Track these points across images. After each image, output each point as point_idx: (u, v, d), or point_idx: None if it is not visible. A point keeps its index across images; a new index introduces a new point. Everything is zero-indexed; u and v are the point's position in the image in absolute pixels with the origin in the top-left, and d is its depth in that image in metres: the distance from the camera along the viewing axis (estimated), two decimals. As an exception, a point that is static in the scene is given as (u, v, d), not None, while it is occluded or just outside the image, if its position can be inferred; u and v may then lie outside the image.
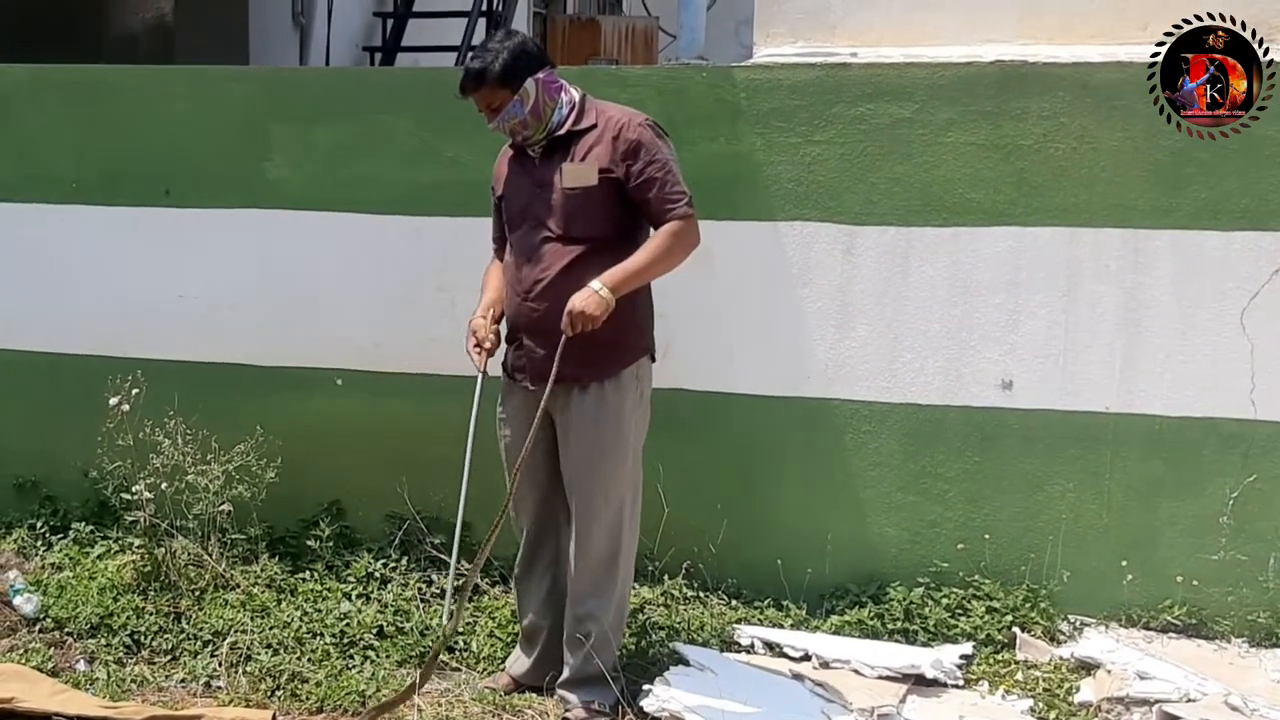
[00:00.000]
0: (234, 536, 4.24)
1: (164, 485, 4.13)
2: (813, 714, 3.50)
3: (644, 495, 3.61)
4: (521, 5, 9.90)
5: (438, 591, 4.14)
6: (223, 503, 4.16)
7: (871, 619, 3.99)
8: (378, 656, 3.83)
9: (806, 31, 4.36)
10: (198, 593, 4.11)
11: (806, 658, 3.81)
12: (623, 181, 3.37)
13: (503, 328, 3.58)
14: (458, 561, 3.53)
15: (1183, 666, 3.67)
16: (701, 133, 4.11)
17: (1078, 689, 3.66)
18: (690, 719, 3.40)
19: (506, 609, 4.00)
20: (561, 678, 3.55)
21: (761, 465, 4.20)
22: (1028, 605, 3.97)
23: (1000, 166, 3.98)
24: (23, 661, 3.79)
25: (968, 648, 3.85)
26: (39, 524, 4.58)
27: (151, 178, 4.56)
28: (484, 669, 3.80)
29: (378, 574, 4.22)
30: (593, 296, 3.27)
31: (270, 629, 3.91)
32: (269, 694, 3.64)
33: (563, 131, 3.42)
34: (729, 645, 3.90)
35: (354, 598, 4.11)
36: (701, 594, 4.14)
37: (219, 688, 3.70)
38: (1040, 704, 3.61)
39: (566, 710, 3.51)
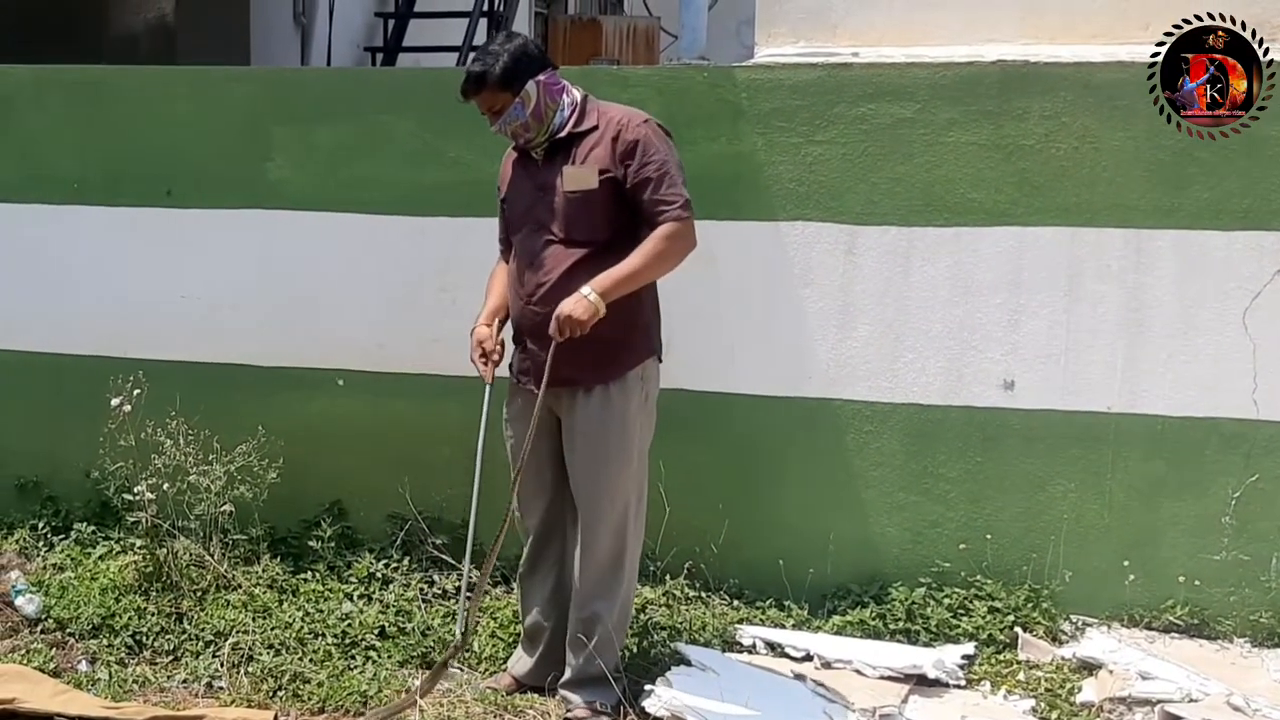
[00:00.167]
0: (236, 537, 4.24)
1: (166, 486, 4.14)
2: (814, 714, 3.50)
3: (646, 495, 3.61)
4: (523, 5, 9.90)
5: (439, 592, 4.14)
6: (224, 503, 4.16)
7: (873, 619, 3.99)
8: (379, 657, 3.83)
9: (808, 31, 4.36)
10: (199, 593, 4.11)
11: (808, 658, 3.81)
12: (621, 182, 3.36)
13: (508, 331, 3.57)
14: (469, 574, 3.54)
15: (1185, 667, 3.67)
16: (703, 133, 4.11)
17: (1080, 689, 3.65)
18: (692, 719, 3.40)
19: (508, 609, 4.00)
20: (564, 678, 3.55)
21: (763, 465, 4.20)
22: (1030, 605, 3.97)
23: (1002, 166, 3.98)
24: (25, 662, 3.79)
25: (970, 648, 3.85)
26: (41, 524, 4.58)
27: (153, 178, 4.56)
28: (486, 669, 3.80)
29: (379, 574, 4.22)
30: (581, 302, 3.27)
31: (272, 629, 3.91)
32: (271, 694, 3.64)
33: (564, 134, 3.41)
34: (731, 645, 3.90)
35: (356, 598, 4.11)
36: (703, 594, 4.14)
37: (221, 688, 3.70)
38: (1042, 704, 3.61)
39: (568, 710, 3.51)
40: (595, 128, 3.40)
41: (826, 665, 3.77)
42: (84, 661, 3.86)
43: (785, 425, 4.17)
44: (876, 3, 4.35)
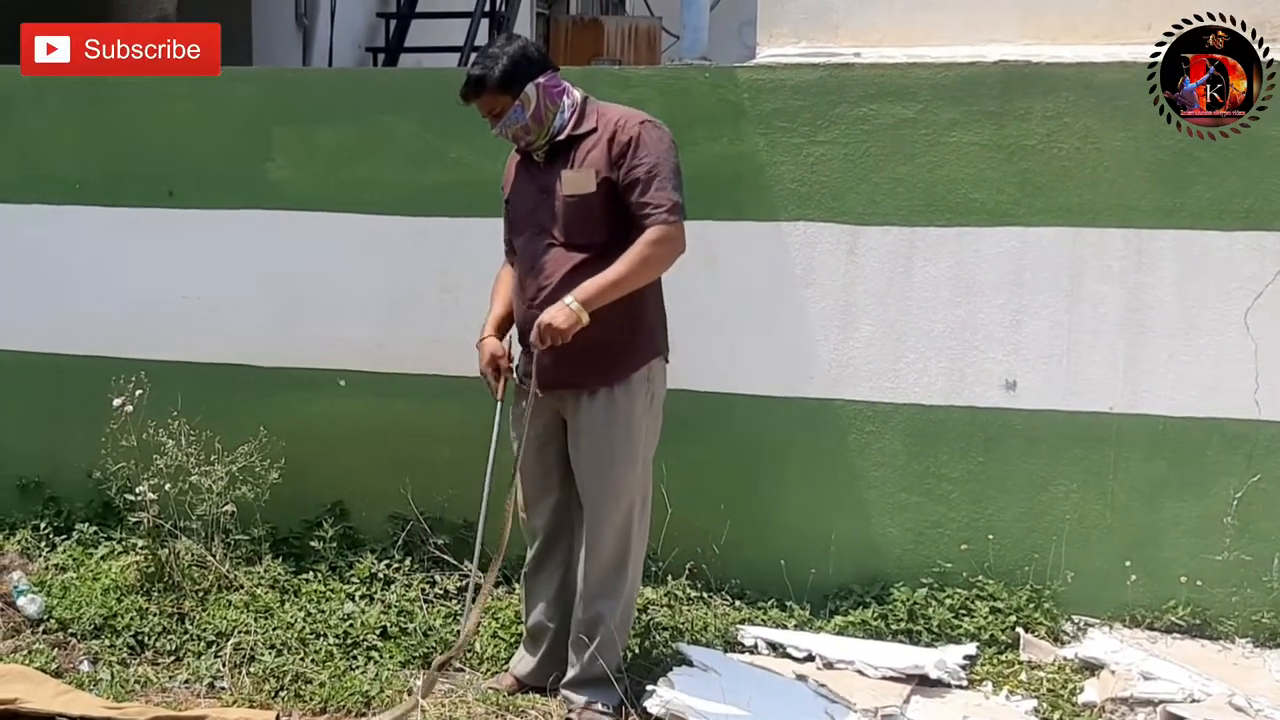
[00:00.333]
0: (237, 537, 4.24)
1: (167, 486, 4.14)
2: (816, 715, 3.50)
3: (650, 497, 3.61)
4: (524, 6, 9.91)
5: (441, 592, 4.15)
6: (226, 503, 4.16)
7: (875, 619, 3.99)
8: (381, 657, 3.83)
9: (810, 32, 4.36)
10: (201, 593, 4.11)
11: (810, 658, 3.81)
12: (616, 184, 3.34)
13: (513, 331, 3.57)
14: (473, 587, 3.55)
15: (1187, 667, 3.67)
16: (704, 133, 4.11)
17: (1081, 689, 3.66)
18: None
19: (510, 610, 4.00)
20: (566, 678, 3.55)
21: (765, 466, 4.20)
22: (1031, 606, 3.97)
23: (1004, 167, 3.98)
24: (26, 662, 3.79)
25: (971, 648, 3.85)
26: (43, 525, 4.58)
27: (154, 179, 4.56)
28: (488, 669, 3.80)
29: (381, 575, 4.22)
30: (562, 310, 3.26)
31: (274, 630, 3.91)
32: (272, 695, 3.64)
33: (563, 136, 3.40)
34: (732, 646, 3.91)
35: (357, 598, 4.12)
36: (705, 595, 4.14)
37: (222, 688, 3.70)
38: (1044, 705, 3.61)
39: (570, 711, 3.51)
40: (594, 130, 3.39)
41: (828, 666, 3.77)
42: (86, 662, 3.86)
43: (787, 425, 4.17)
44: (878, 3, 4.35)
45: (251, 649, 3.82)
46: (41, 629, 4.03)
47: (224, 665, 3.77)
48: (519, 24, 9.68)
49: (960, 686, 3.70)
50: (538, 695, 3.61)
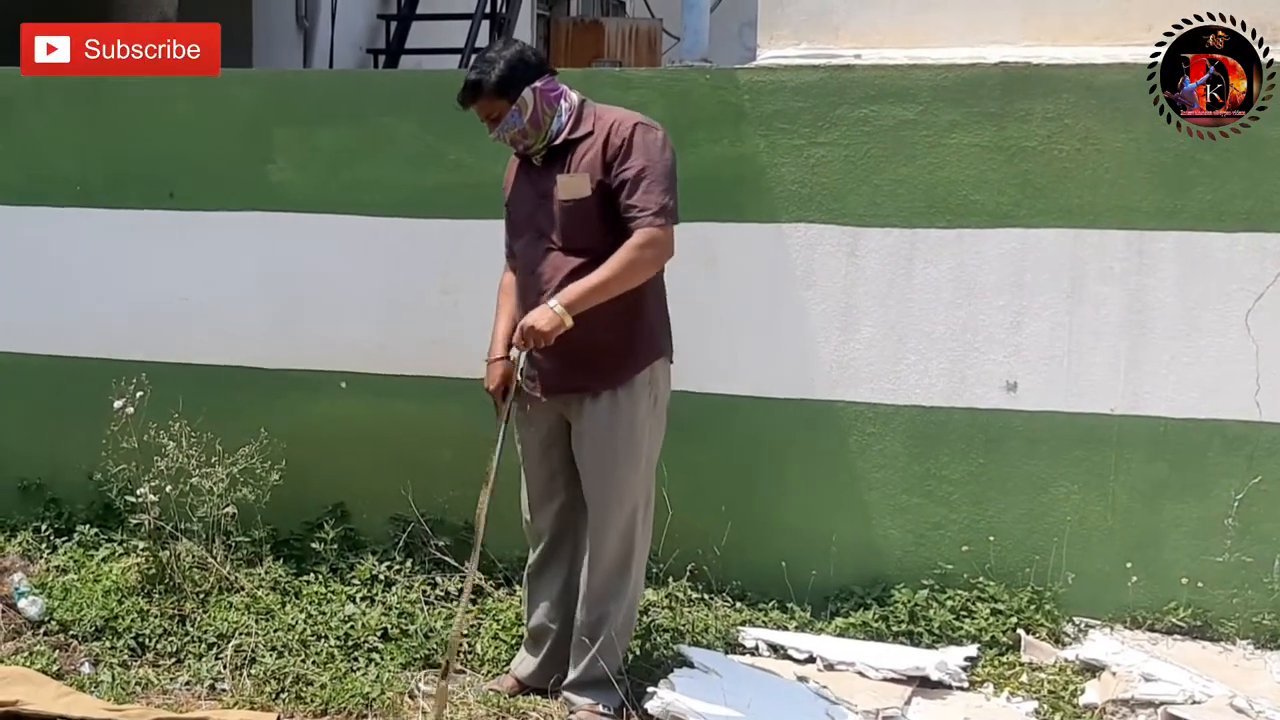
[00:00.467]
0: (238, 539, 4.24)
1: (168, 488, 4.14)
2: (817, 716, 3.50)
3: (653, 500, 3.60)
4: (525, 7, 9.92)
5: (442, 594, 4.14)
6: (227, 505, 4.16)
7: (876, 621, 3.99)
8: (382, 659, 3.83)
9: (810, 33, 4.35)
10: (202, 595, 4.11)
11: (811, 660, 3.82)
12: (609, 186, 3.33)
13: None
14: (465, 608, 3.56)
15: (1188, 669, 3.67)
16: (705, 135, 4.11)
17: (1082, 691, 3.65)
18: (694, 721, 3.41)
19: (511, 611, 4.00)
20: (567, 680, 3.55)
21: (766, 467, 4.20)
22: (1032, 607, 3.96)
23: (1004, 168, 3.98)
24: (27, 664, 3.79)
25: (972, 650, 3.85)
26: (44, 527, 4.58)
27: (155, 180, 4.57)
28: (488, 671, 3.80)
29: (382, 576, 4.22)
30: (545, 313, 3.25)
31: (275, 631, 3.91)
32: (273, 696, 3.64)
33: (560, 140, 3.40)
34: (733, 648, 3.90)
35: (358, 600, 4.11)
36: (706, 596, 4.14)
37: (223, 690, 3.70)
38: (1045, 706, 3.61)
39: (571, 712, 3.52)
40: (590, 133, 3.37)
41: (829, 667, 3.77)
42: (87, 664, 3.86)
43: (788, 427, 4.17)
44: (879, 4, 4.35)
45: (252, 651, 3.82)
46: (42, 631, 4.03)
47: (225, 667, 3.77)
48: (520, 25, 9.69)
49: (961, 688, 3.70)
50: (539, 697, 3.61)
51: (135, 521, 4.18)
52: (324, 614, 4.02)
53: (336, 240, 4.44)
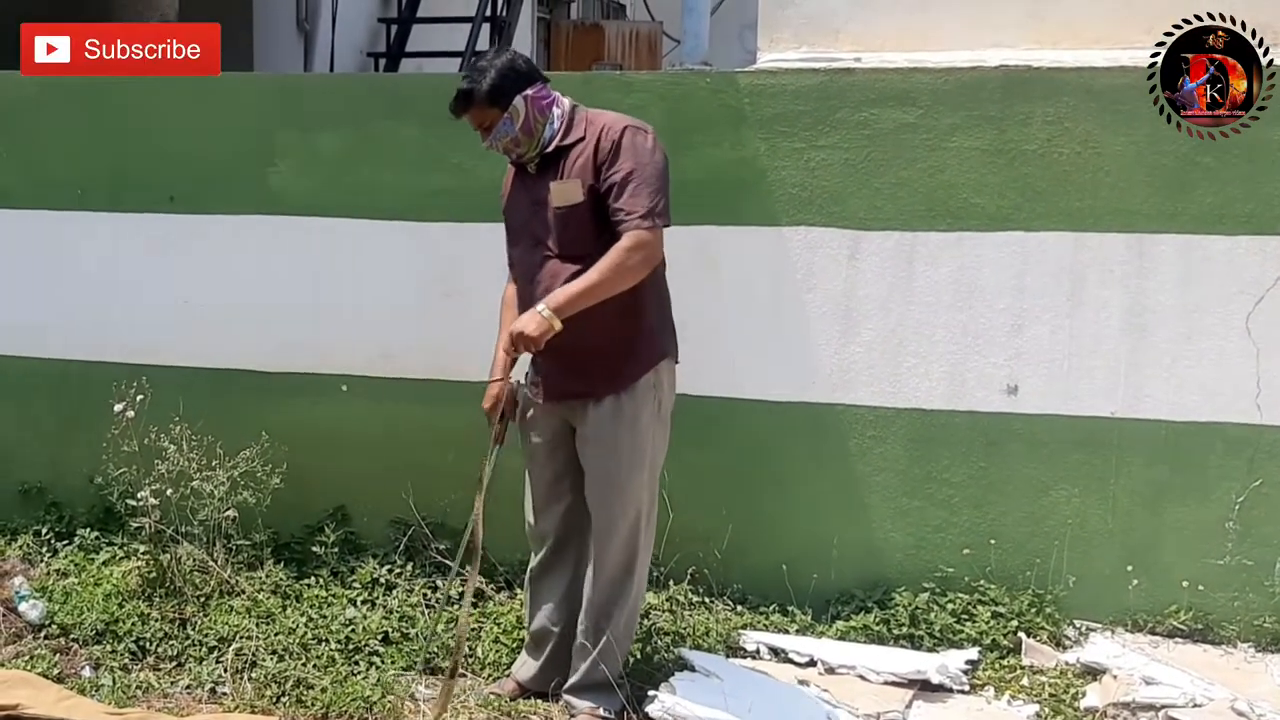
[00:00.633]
0: (239, 542, 4.24)
1: (169, 491, 4.13)
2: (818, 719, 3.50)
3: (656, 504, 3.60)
4: (525, 10, 9.91)
5: (442, 597, 4.14)
6: (228, 509, 4.16)
7: (877, 624, 3.99)
8: (383, 663, 3.83)
9: (810, 36, 4.36)
10: (203, 599, 4.11)
11: (812, 663, 3.82)
12: (599, 190, 3.32)
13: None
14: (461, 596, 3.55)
15: (1189, 672, 3.67)
16: (705, 138, 4.11)
17: (1083, 694, 3.65)
18: (695, 725, 3.41)
19: (511, 615, 4.00)
20: (568, 683, 3.55)
21: (766, 470, 4.19)
22: (1033, 610, 3.96)
23: (1005, 171, 3.98)
24: (28, 668, 3.79)
25: (973, 653, 3.84)
26: (44, 530, 4.58)
27: (156, 184, 4.57)
28: (489, 675, 3.80)
29: (383, 580, 4.22)
30: (534, 318, 3.24)
31: (275, 635, 3.91)
32: (274, 700, 3.63)
33: (552, 147, 3.39)
34: (734, 651, 3.90)
35: (359, 604, 4.11)
36: (707, 599, 4.13)
37: (224, 694, 3.70)
38: (1046, 709, 3.60)
39: (572, 716, 3.51)
40: (582, 138, 3.37)
41: (830, 671, 3.77)
42: (87, 667, 3.86)
43: (788, 430, 4.17)
44: (879, 8, 4.35)
45: (253, 654, 3.82)
46: (43, 634, 4.02)
47: (225, 671, 3.77)
48: (520, 29, 9.69)
49: (962, 691, 3.70)
50: (539, 700, 3.61)
51: (136, 525, 4.18)
52: (325, 617, 4.02)
53: (338, 244, 4.44)
